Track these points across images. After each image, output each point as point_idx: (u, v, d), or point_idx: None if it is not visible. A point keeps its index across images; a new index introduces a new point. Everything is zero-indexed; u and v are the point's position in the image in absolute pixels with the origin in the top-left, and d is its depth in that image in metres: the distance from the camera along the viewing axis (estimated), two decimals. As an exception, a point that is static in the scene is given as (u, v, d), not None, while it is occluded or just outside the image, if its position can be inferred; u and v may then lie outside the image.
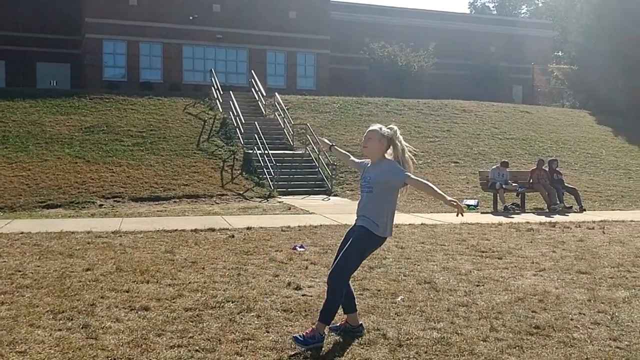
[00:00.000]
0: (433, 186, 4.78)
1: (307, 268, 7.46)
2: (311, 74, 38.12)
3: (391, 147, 4.91)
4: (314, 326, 4.73)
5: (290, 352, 4.49)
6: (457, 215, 4.69)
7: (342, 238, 5.09)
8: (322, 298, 5.99)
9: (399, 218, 12.77)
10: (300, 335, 4.60)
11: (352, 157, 5.55)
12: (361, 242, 4.86)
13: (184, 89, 31.47)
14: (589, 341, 4.91)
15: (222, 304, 5.70)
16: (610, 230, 11.60)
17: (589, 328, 5.24)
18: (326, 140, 5.75)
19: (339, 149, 5.70)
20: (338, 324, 5.05)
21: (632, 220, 13.09)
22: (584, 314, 5.65)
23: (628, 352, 4.64)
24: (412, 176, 4.79)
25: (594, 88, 34.83)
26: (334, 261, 4.97)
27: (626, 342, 4.87)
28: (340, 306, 4.85)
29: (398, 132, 4.95)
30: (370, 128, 4.96)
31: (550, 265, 8.03)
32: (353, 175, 19.16)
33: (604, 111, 30.90)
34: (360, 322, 5.07)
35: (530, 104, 36.12)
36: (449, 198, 4.60)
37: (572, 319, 5.51)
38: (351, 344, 4.69)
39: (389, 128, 4.96)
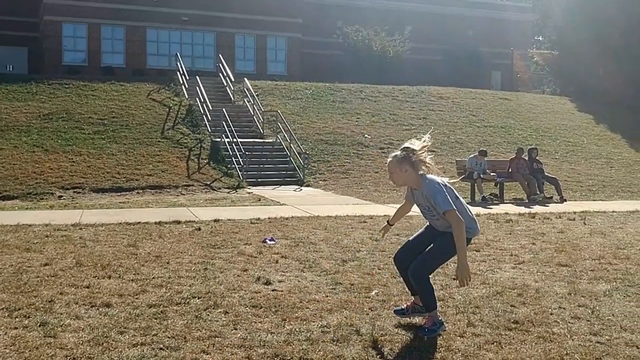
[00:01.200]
0: (463, 236, 4.81)
1: (277, 262, 7.45)
2: (282, 59, 38.00)
3: (416, 166, 4.92)
4: (428, 315, 4.99)
5: (259, 349, 4.48)
6: (459, 285, 4.90)
7: (421, 231, 5.27)
8: (293, 293, 6.02)
9: (374, 209, 12.85)
10: (425, 328, 4.91)
11: (403, 204, 5.53)
12: (449, 246, 4.87)
13: (147, 74, 31.13)
14: (569, 336, 4.97)
15: (188, 300, 5.67)
16: (591, 221, 11.77)
17: (569, 322, 5.31)
18: (384, 233, 5.81)
19: (394, 217, 5.75)
20: (404, 306, 5.29)
21: (613, 211, 13.30)
22: (564, 308, 5.72)
23: (609, 347, 4.71)
24: (452, 212, 4.79)
25: (575, 74, 35.28)
26: (403, 247, 5.28)
27: (607, 337, 4.94)
28: (408, 289, 5.23)
29: (414, 146, 4.91)
30: (388, 161, 5.01)
31: (530, 258, 8.12)
32: (326, 164, 19.18)
33: (585, 98, 31.30)
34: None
35: (509, 90, 36.49)
36: (466, 266, 4.79)
37: (551, 314, 5.58)
38: (324, 341, 4.69)
39: (401, 149, 4.95)
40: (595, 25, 32.92)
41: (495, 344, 4.76)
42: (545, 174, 16.63)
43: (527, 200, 15.47)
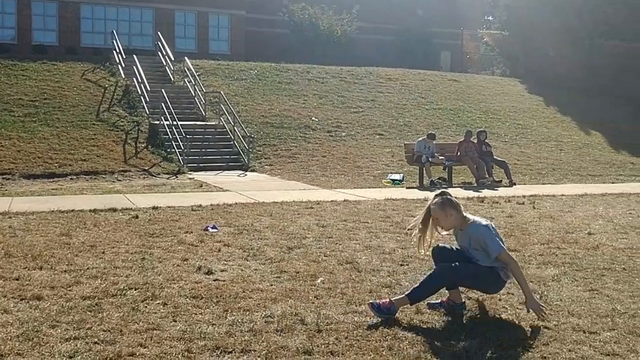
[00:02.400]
0: (520, 271, 5.18)
1: (219, 250, 7.41)
2: (225, 37, 37.63)
3: (458, 207, 5.30)
4: (392, 299, 5.13)
5: (199, 342, 4.46)
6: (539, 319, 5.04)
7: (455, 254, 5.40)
8: (236, 282, 6.00)
9: (320, 194, 12.90)
10: (376, 303, 5.04)
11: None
12: (481, 273, 5.19)
13: (82, 52, 30.43)
14: (517, 322, 5.09)
15: (124, 292, 5.60)
16: (540, 205, 12.06)
17: (517, 308, 5.43)
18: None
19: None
20: (439, 301, 5.32)
21: (562, 195, 13.65)
22: (512, 294, 5.84)
23: (556, 332, 4.84)
24: (504, 254, 5.12)
25: (525, 55, 35.93)
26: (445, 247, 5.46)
27: (554, 322, 5.07)
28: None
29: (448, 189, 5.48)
30: (431, 209, 5.31)
31: (478, 243, 8.27)
32: (272, 149, 19.14)
33: (535, 80, 31.94)
34: (463, 300, 5.34)
35: (459, 71, 36.98)
36: (533, 298, 5.09)
37: (500, 300, 5.69)
38: (267, 332, 4.70)
39: (439, 195, 5.39)
40: (547, 6, 33.56)
41: (443, 331, 4.85)
42: (495, 157, 16.95)
43: (475, 184, 15.75)
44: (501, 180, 16.13)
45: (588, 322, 5.08)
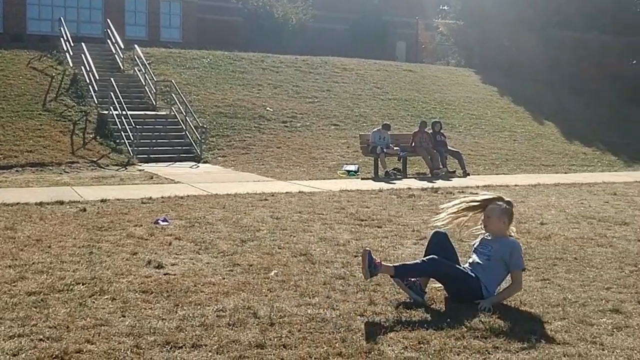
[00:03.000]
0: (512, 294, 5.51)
1: (170, 244, 7.36)
2: (177, 24, 37.14)
3: (512, 220, 5.62)
4: (385, 263, 5.40)
5: (149, 337, 4.43)
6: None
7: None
8: (187, 276, 5.98)
9: (275, 186, 12.89)
10: (373, 257, 5.25)
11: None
12: (465, 282, 5.43)
13: (28, 40, 29.68)
14: (471, 314, 5.14)
15: (71, 287, 5.52)
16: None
17: (473, 302, 5.51)
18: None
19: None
20: (414, 280, 5.43)
21: (516, 185, 13.90)
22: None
23: (508, 322, 4.92)
24: (520, 273, 5.52)
25: (479, 45, 36.37)
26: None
27: (506, 312, 5.16)
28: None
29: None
30: (490, 207, 5.57)
31: (432, 233, 8.37)
32: (225, 139, 19.03)
33: (489, 70, 32.35)
34: (426, 291, 5.52)
35: (414, 61, 37.20)
36: (496, 301, 5.35)
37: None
38: (219, 326, 4.69)
39: (507, 202, 5.63)
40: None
41: (396, 321, 4.90)
42: (449, 147, 17.14)
43: (430, 175, 15.92)
44: (455, 171, 16.34)
45: (539, 312, 5.19)
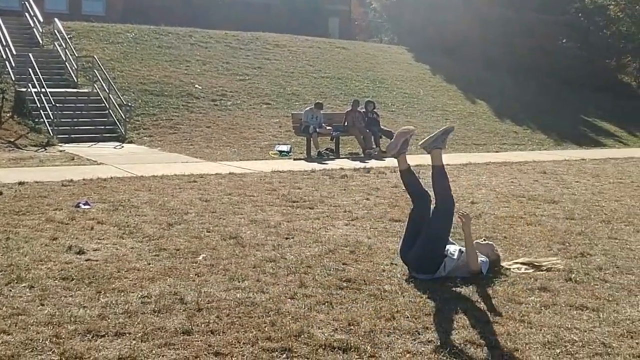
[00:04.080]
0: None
1: (92, 228, 7.23)
2: (99, -3, 36.25)
3: None
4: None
5: (69, 326, 4.34)
6: None
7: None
8: (110, 262, 5.90)
9: (204, 167, 12.78)
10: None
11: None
12: (436, 243, 5.80)
13: (-64, 12, 28.49)
14: (399, 293, 5.27)
15: (-14, 275, 5.38)
16: (425, 174, 12.34)
17: (400, 279, 5.62)
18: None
19: None
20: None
21: (447, 164, 13.88)
22: (396, 264, 6.04)
23: (439, 303, 5.03)
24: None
25: (412, 22, 36.65)
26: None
27: (438, 292, 5.27)
28: None
29: None
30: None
31: (363, 214, 8.48)
32: (151, 118, 18.71)
33: (422, 48, 32.67)
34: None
35: (347, 38, 37.31)
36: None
37: (384, 270, 5.88)
38: (144, 313, 4.63)
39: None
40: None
41: (326, 304, 4.96)
42: (382, 127, 17.28)
43: (362, 155, 16.05)
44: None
45: (469, 292, 5.33)
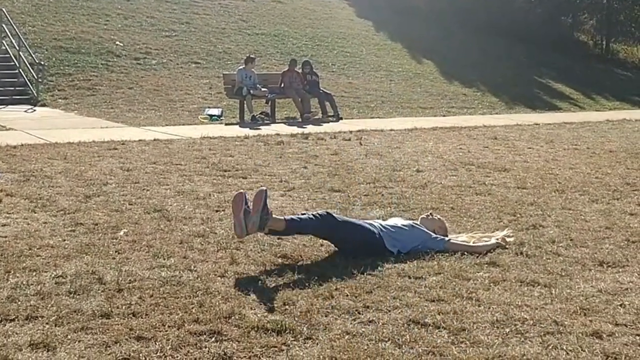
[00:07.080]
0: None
1: (0, 201, 7.08)
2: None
3: None
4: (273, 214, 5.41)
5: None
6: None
7: None
8: (21, 239, 5.78)
9: (127, 133, 12.58)
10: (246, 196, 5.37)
11: None
12: (366, 244, 5.75)
13: None
14: (338, 269, 5.27)
15: None
16: (367, 141, 12.52)
17: (340, 254, 5.65)
18: None
19: None
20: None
21: (391, 130, 14.25)
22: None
23: (380, 279, 5.07)
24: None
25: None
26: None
27: (379, 268, 5.32)
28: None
29: None
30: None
31: (301, 184, 8.49)
32: (67, 79, 18.29)
33: (364, 2, 32.58)
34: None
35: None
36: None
37: (322, 245, 5.88)
38: (58, 294, 4.55)
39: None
40: None
41: (259, 282, 4.95)
42: (321, 89, 17.22)
43: (300, 120, 16.01)
44: (327, 115, 16.48)
45: (414, 267, 5.37)
